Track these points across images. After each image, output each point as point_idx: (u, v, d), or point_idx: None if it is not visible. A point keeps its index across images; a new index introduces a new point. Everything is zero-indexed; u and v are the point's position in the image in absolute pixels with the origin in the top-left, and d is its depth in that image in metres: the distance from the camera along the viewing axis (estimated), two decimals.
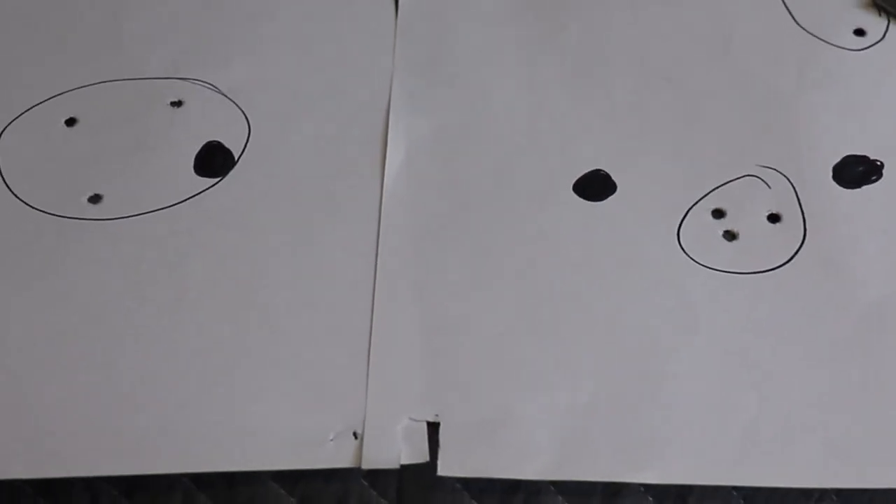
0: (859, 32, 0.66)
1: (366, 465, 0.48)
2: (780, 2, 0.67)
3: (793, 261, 0.55)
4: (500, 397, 0.51)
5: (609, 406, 0.51)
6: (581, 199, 0.58)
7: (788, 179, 0.58)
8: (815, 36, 0.66)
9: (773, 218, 0.57)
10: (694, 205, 0.57)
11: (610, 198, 0.58)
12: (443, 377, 0.51)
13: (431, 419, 0.50)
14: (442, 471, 0.49)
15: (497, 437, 0.49)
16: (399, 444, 0.49)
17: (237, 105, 0.61)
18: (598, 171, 0.59)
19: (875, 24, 0.66)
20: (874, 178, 0.59)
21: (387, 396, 0.50)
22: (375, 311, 0.53)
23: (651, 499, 0.50)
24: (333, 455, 0.49)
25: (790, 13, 0.67)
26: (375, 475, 0.49)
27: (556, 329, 0.53)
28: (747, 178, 0.58)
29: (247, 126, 0.60)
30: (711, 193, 0.58)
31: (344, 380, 0.51)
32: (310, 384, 0.51)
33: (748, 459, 0.49)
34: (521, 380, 0.51)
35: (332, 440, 0.49)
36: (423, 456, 0.49)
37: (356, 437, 0.49)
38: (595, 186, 0.58)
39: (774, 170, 0.59)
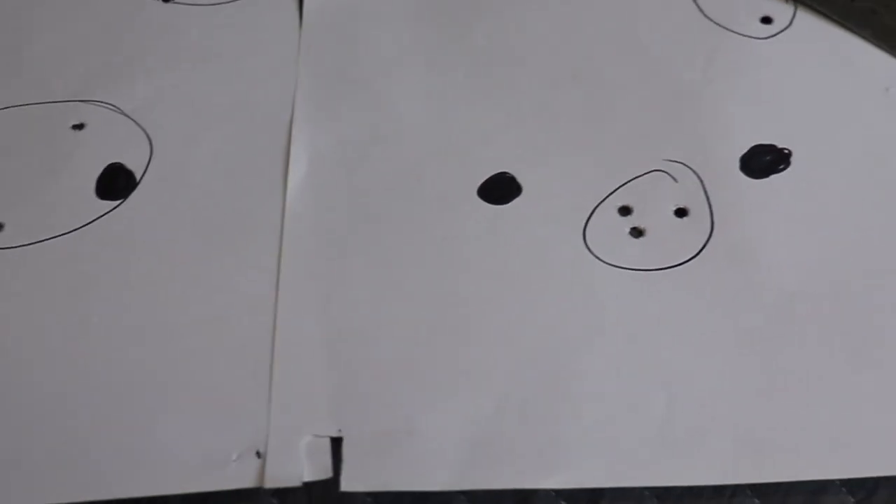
0: (766, 20, 0.66)
1: (268, 484, 0.48)
2: None
3: (700, 255, 0.55)
4: (404, 409, 0.50)
5: (516, 411, 0.50)
6: (486, 203, 0.57)
7: (695, 173, 0.58)
8: (721, 26, 0.65)
9: (681, 212, 0.57)
10: (600, 203, 0.57)
11: (515, 200, 0.57)
12: (346, 391, 0.51)
13: (335, 434, 0.49)
14: (345, 486, 0.48)
15: (401, 449, 0.49)
16: (302, 461, 0.49)
17: (139, 125, 0.60)
18: (503, 173, 0.58)
19: (782, 10, 0.66)
20: (782, 167, 0.58)
21: (290, 413, 0.50)
22: (278, 328, 0.52)
23: (563, 502, 0.49)
24: (237, 476, 0.48)
25: (697, 4, 0.66)
26: (284, 494, 0.49)
27: (462, 336, 0.52)
28: (654, 173, 0.58)
29: (149, 146, 0.59)
30: (618, 191, 0.58)
31: (247, 398, 0.51)
32: (213, 404, 0.50)
33: (659, 459, 0.49)
34: (426, 389, 0.51)
35: (235, 460, 0.49)
36: (325, 472, 0.49)
37: (259, 457, 0.49)
38: (500, 189, 0.58)
39: (681, 163, 0.58)
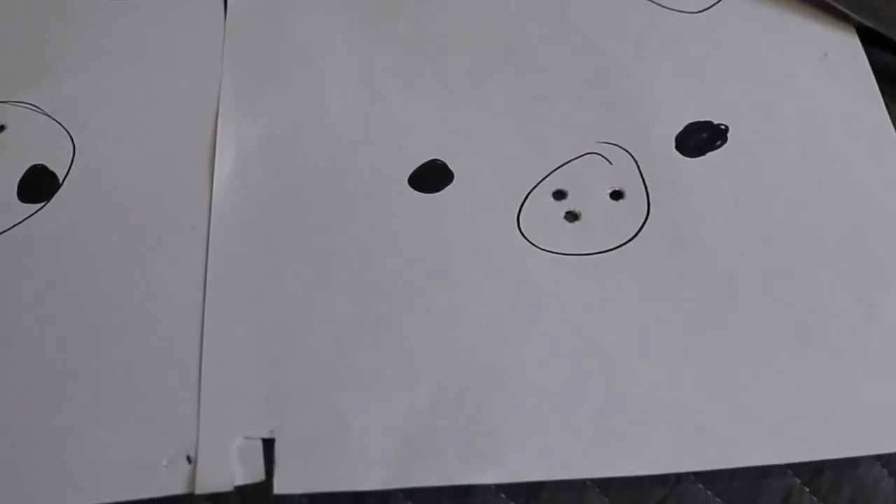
0: None
1: (199, 490, 0.47)
2: None
3: (637, 237, 0.55)
4: (336, 407, 0.49)
5: (451, 405, 0.49)
6: (417, 192, 0.56)
7: (630, 154, 0.57)
8: (653, 1, 0.65)
9: (616, 195, 0.56)
10: (533, 188, 0.56)
11: (447, 188, 0.57)
12: (277, 391, 0.50)
13: (266, 436, 0.49)
14: (279, 489, 0.47)
15: (335, 448, 0.48)
16: (234, 464, 0.48)
17: (62, 125, 0.59)
18: (434, 161, 0.58)
19: None
20: (719, 143, 0.58)
21: (219, 416, 0.49)
22: (206, 328, 0.52)
23: (504, 496, 0.49)
24: (167, 482, 0.48)
25: None
26: (218, 499, 0.48)
27: (395, 329, 0.52)
28: (588, 156, 0.58)
29: (72, 146, 0.58)
30: (551, 175, 0.57)
31: (176, 402, 0.50)
32: (142, 410, 0.49)
33: (599, 449, 0.48)
34: (358, 386, 0.50)
35: (165, 466, 0.48)
36: (258, 475, 0.48)
37: (190, 462, 0.48)
38: (431, 177, 0.57)
39: (616, 145, 0.58)
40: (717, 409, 0.49)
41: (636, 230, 0.55)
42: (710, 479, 0.49)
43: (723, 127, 0.58)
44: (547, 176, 0.57)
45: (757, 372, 0.50)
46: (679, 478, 0.49)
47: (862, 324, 0.52)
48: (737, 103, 0.60)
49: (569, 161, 0.57)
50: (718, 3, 0.65)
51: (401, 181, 0.57)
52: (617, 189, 0.56)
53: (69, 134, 0.59)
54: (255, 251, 0.54)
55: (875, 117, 0.59)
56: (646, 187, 0.56)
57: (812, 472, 0.50)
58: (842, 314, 0.52)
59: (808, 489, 0.49)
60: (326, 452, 0.48)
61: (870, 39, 0.63)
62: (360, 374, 0.50)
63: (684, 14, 0.64)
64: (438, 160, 0.57)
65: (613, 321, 0.52)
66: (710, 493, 0.49)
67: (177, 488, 0.48)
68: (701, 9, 0.65)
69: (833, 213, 0.55)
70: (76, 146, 0.58)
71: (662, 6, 0.65)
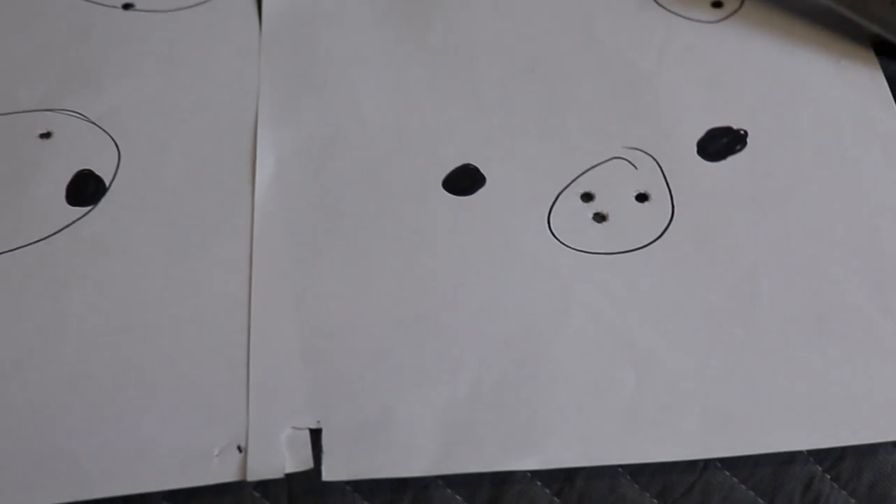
0: (717, 5, 0.68)
1: (251, 477, 0.49)
2: None
3: (662, 237, 0.57)
4: (380, 398, 0.52)
5: (490, 396, 0.52)
6: (451, 195, 0.59)
7: (654, 158, 0.60)
8: (673, 13, 0.68)
9: (642, 197, 0.59)
10: (563, 191, 0.59)
11: (479, 191, 0.59)
12: (323, 384, 0.52)
13: (314, 426, 0.51)
14: (327, 476, 0.50)
15: (379, 437, 0.50)
16: (283, 453, 0.50)
17: (106, 132, 0.61)
18: (466, 165, 0.60)
19: None
20: (739, 147, 0.61)
21: (268, 408, 0.51)
22: (252, 324, 0.54)
23: (539, 483, 0.51)
24: (219, 470, 0.50)
25: None
26: (266, 486, 0.50)
27: (434, 325, 0.54)
28: (614, 160, 0.60)
29: (116, 152, 0.61)
30: (579, 178, 0.59)
31: (226, 395, 0.52)
32: (193, 402, 0.52)
33: (630, 436, 0.51)
34: (401, 379, 0.52)
35: (217, 455, 0.50)
36: (307, 463, 0.50)
37: (241, 451, 0.50)
38: (464, 181, 0.59)
39: (640, 150, 0.60)
40: (741, 398, 0.51)
41: (662, 230, 0.57)
42: (735, 465, 0.51)
43: (742, 132, 0.61)
44: (575, 179, 0.59)
45: (778, 362, 0.53)
46: (706, 465, 0.51)
47: (877, 317, 0.54)
48: (755, 109, 0.62)
49: (596, 165, 0.60)
50: (735, 14, 0.67)
51: (436, 184, 0.59)
52: (642, 192, 0.59)
53: (113, 140, 0.61)
54: (297, 251, 0.57)
55: (888, 122, 0.61)
56: (670, 190, 0.58)
57: (833, 459, 0.52)
58: (858, 308, 0.54)
59: (828, 476, 0.52)
60: (371, 441, 0.50)
61: (882, 51, 0.66)
62: (402, 367, 0.52)
63: (703, 24, 0.67)
64: (471, 164, 0.60)
65: (641, 315, 0.54)
66: (735, 479, 0.51)
67: (228, 476, 0.50)
68: (718, 19, 0.67)
69: (847, 212, 0.58)
70: (121, 152, 0.61)
71: (682, 17, 0.67)
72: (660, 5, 0.68)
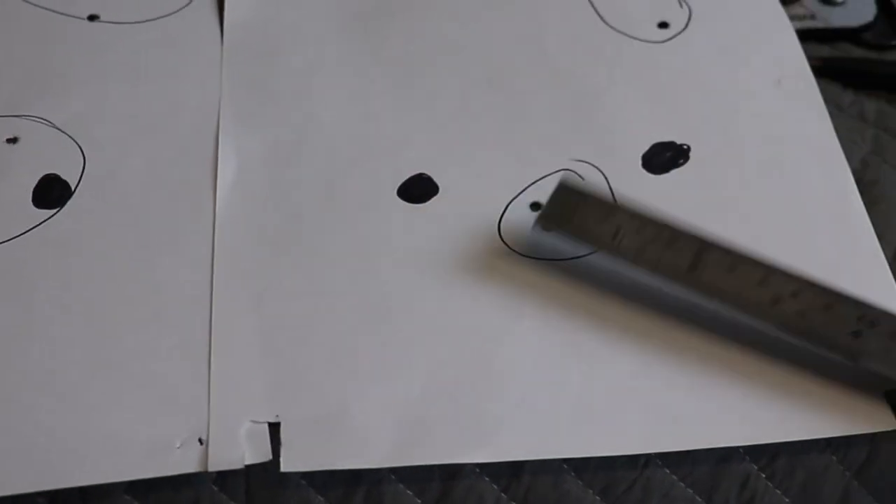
0: (663, 25, 0.72)
1: (212, 468, 0.51)
2: (589, 4, 0.73)
3: None
4: (337, 393, 0.54)
5: (442, 393, 0.54)
6: (405, 203, 0.62)
7: (601, 171, 0.63)
8: (621, 32, 0.71)
9: None
10: (513, 200, 0.62)
11: (433, 199, 0.62)
12: (282, 379, 0.55)
13: (273, 420, 0.53)
14: (285, 467, 0.52)
15: (336, 430, 0.53)
16: (243, 445, 0.52)
17: (72, 137, 0.64)
18: (421, 174, 0.63)
19: (678, 15, 0.72)
20: (682, 161, 0.64)
21: (229, 402, 0.54)
22: (214, 322, 0.56)
23: (487, 479, 0.53)
24: (180, 461, 0.52)
25: (598, 14, 0.72)
26: (224, 480, 0.53)
27: (389, 325, 0.57)
28: (562, 171, 0.63)
29: (82, 157, 0.63)
30: (529, 188, 0.63)
31: (188, 390, 0.54)
32: (156, 397, 0.54)
33: (576, 432, 0.53)
34: (358, 375, 0.55)
35: (178, 447, 0.52)
36: (265, 455, 0.52)
37: (202, 444, 0.52)
38: (418, 189, 0.62)
39: (588, 163, 0.64)
40: (682, 397, 0.54)
41: None
42: (675, 464, 0.54)
43: (685, 147, 0.64)
44: (525, 189, 0.62)
45: (716, 363, 0.56)
46: (647, 462, 0.54)
47: None
48: (698, 125, 0.66)
49: (545, 176, 0.63)
50: (680, 34, 0.71)
51: (391, 192, 0.62)
52: None
53: (78, 145, 0.64)
54: (257, 252, 0.59)
55: (823, 135, 0.65)
56: (615, 202, 0.61)
57: (768, 458, 0.55)
58: None
59: (763, 475, 0.55)
60: (328, 434, 0.53)
61: (819, 72, 0.70)
62: (359, 365, 0.55)
63: (650, 44, 0.71)
64: (425, 174, 0.63)
65: (586, 318, 0.57)
66: (675, 477, 0.54)
67: (190, 467, 0.52)
68: (665, 39, 0.71)
69: (785, 223, 0.61)
70: (86, 157, 0.63)
71: (630, 36, 0.71)
72: (608, 25, 0.72)
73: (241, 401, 0.54)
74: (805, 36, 0.73)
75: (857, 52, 0.74)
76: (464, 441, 0.53)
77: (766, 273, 0.55)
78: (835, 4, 0.75)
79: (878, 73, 0.72)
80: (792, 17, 0.74)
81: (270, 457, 0.52)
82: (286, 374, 0.55)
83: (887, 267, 0.60)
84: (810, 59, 0.71)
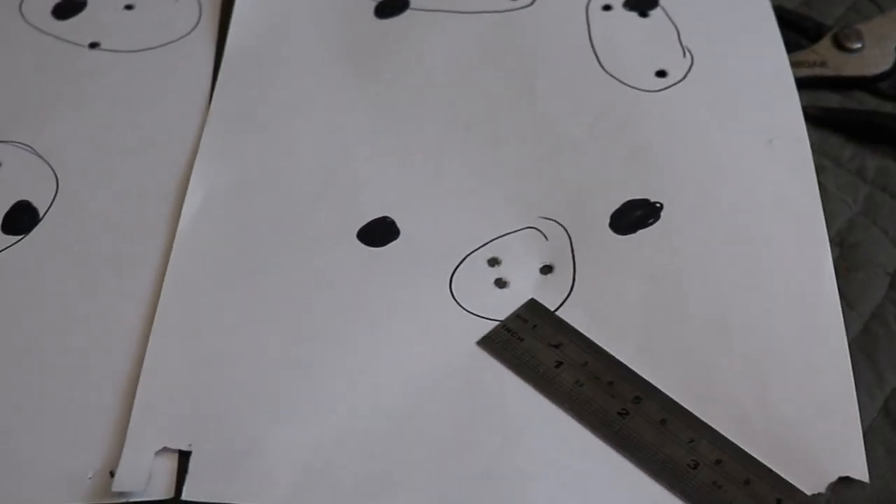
0: (661, 74, 0.73)
1: (115, 489, 0.54)
2: (588, 45, 0.74)
3: (558, 311, 0.61)
4: (251, 430, 0.56)
5: (355, 442, 0.56)
6: (363, 245, 0.64)
7: (566, 230, 0.64)
8: (616, 79, 0.72)
9: (546, 269, 0.63)
10: (471, 253, 0.64)
11: (391, 244, 0.64)
12: (202, 411, 0.57)
13: (185, 448, 0.56)
14: (186, 495, 0.54)
15: (243, 466, 0.55)
16: (148, 470, 0.55)
17: (49, 165, 0.69)
18: (384, 217, 0.66)
19: (679, 64, 0.73)
20: (651, 220, 0.64)
21: (145, 428, 0.56)
22: (148, 353, 0.59)
23: None
24: (90, 492, 0.55)
25: (596, 56, 0.74)
26: None
27: (317, 368, 0.59)
28: (527, 230, 0.65)
29: (56, 185, 0.68)
30: (490, 243, 0.64)
31: (111, 420, 0.58)
32: (74, 427, 0.57)
33: (483, 497, 0.54)
34: (274, 414, 0.57)
35: (90, 478, 0.56)
36: (170, 485, 0.55)
37: (112, 476, 0.55)
38: (378, 232, 0.65)
39: (554, 221, 0.65)
40: (598, 470, 0.55)
41: (559, 304, 0.61)
42: None
43: (658, 205, 0.65)
44: (486, 244, 0.64)
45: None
46: None
47: (752, 411, 0.57)
48: (676, 182, 0.66)
49: (508, 233, 0.65)
50: (677, 85, 0.72)
51: (350, 233, 0.65)
52: (548, 263, 0.63)
53: (55, 173, 0.69)
54: (206, 286, 0.63)
55: (806, 202, 0.65)
56: (574, 264, 0.63)
57: None
58: (734, 400, 0.57)
59: None
60: (234, 468, 0.55)
61: (821, 123, 0.70)
62: (277, 404, 0.58)
63: (642, 92, 0.71)
64: (388, 217, 0.66)
65: (517, 387, 0.58)
66: None
67: (97, 498, 0.55)
68: (660, 88, 0.72)
69: (743, 296, 0.61)
70: (59, 185, 0.68)
71: (624, 83, 0.72)
72: (604, 69, 0.73)
73: (158, 428, 0.57)
74: (817, 84, 0.73)
75: (872, 103, 0.74)
76: (364, 492, 0.54)
77: (696, 435, 0.56)
78: (851, 51, 0.75)
79: (883, 125, 0.71)
80: (802, 64, 0.74)
81: (174, 482, 0.55)
82: (207, 406, 0.58)
83: (847, 354, 0.58)
84: (809, 107, 0.71)
